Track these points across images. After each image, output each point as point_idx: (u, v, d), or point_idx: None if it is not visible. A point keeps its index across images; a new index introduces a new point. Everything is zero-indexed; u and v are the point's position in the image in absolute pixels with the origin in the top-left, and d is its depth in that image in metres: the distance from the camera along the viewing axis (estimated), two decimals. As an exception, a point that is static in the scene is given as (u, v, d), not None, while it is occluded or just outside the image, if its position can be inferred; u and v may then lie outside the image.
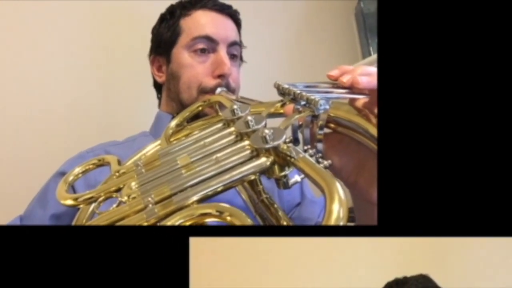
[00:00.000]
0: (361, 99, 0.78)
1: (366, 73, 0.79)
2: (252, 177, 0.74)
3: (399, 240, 0.98)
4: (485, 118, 0.79)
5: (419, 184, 0.82)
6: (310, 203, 1.32)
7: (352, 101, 0.79)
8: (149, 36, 1.52)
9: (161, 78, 1.48)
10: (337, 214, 0.61)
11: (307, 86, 0.83)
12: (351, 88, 0.79)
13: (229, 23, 1.40)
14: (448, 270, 1.02)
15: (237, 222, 0.69)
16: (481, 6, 0.80)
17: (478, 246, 1.02)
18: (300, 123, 0.80)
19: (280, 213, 0.80)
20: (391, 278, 0.95)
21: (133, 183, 0.83)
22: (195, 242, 0.83)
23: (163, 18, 1.48)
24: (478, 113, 0.79)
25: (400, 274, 0.96)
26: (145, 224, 0.71)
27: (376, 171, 0.78)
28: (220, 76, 1.35)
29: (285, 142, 0.73)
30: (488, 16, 0.81)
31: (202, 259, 0.95)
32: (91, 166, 1.01)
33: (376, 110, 0.78)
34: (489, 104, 0.79)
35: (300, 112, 0.78)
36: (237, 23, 1.44)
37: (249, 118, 0.80)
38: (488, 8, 0.81)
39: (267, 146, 0.72)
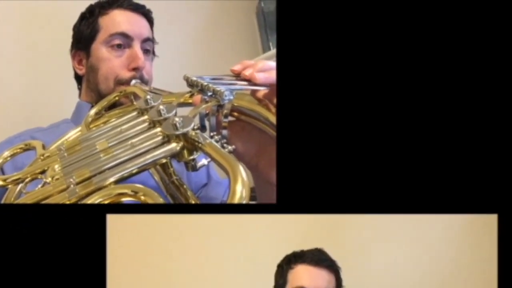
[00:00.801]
0: (261, 91, 0.86)
1: (264, 69, 0.86)
2: (164, 161, 0.81)
3: (296, 217, 1.06)
4: (369, 101, 0.88)
5: (313, 167, 0.90)
6: (216, 184, 1.40)
7: (253, 92, 0.86)
8: (71, 33, 1.57)
9: (81, 71, 1.53)
10: (240, 193, 0.68)
11: (213, 79, 0.89)
12: (252, 81, 0.87)
13: (142, 21, 1.46)
14: (340, 244, 1.11)
15: (150, 201, 0.75)
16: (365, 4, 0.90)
17: (367, 222, 1.11)
18: (207, 112, 0.86)
19: (189, 193, 0.87)
20: (289, 251, 1.04)
21: (56, 166, 0.89)
22: (112, 219, 0.90)
23: (83, 17, 1.53)
24: (364, 97, 0.89)
25: (297, 248, 1.05)
26: (67, 202, 0.77)
27: (275, 155, 0.87)
28: (135, 69, 1.41)
29: (193, 129, 0.79)
30: (373, 12, 0.90)
31: (118, 234, 1.02)
32: (18, 150, 1.07)
33: (274, 100, 0.85)
34: (374, 86, 0.89)
35: (207, 102, 0.85)
36: (150, 21, 1.51)
37: (161, 107, 0.86)
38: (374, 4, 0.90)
39: (177, 132, 0.79)
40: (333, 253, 1.03)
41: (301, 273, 1.02)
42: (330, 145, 0.90)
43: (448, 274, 1.15)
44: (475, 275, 1.12)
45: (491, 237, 0.95)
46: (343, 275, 1.04)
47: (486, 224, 0.97)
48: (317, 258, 1.02)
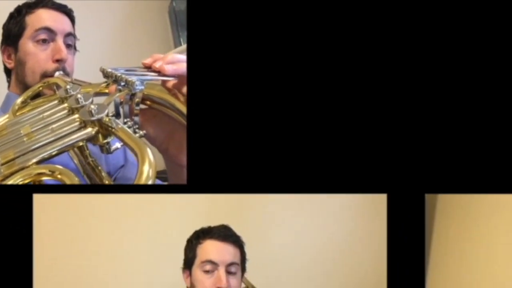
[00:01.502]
0: (170, 81, 0.95)
1: (173, 61, 0.96)
2: (80, 144, 0.89)
3: (204, 197, 1.17)
4: (267, 88, 0.99)
5: (220, 151, 1.00)
6: (132, 165, 1.50)
7: (163, 83, 0.95)
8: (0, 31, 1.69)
9: (10, 65, 1.65)
10: (147, 173, 0.77)
11: (127, 70, 0.98)
12: (161, 72, 0.96)
13: (65, 19, 1.58)
14: (244, 221, 1.22)
15: (67, 180, 0.83)
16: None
17: (268, 201, 1.23)
18: (121, 100, 0.95)
19: (103, 174, 0.96)
20: (198, 228, 1.13)
21: (-16, 149, 0.98)
22: (37, 198, 0.99)
23: (11, 16, 1.65)
24: (262, 85, 0.99)
25: (205, 225, 1.15)
26: (-7, 181, 0.85)
27: (183, 139, 0.96)
28: (58, 60, 1.52)
29: (107, 116, 0.88)
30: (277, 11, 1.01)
31: (44, 212, 1.11)
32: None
33: (183, 90, 0.95)
34: (273, 75, 0.99)
35: (120, 91, 0.94)
36: (72, 19, 1.65)
37: (79, 96, 0.94)
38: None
39: (92, 118, 0.87)
40: (238, 230, 1.14)
41: (209, 247, 1.12)
42: (234, 131, 1.00)
43: (342, 250, 1.28)
44: (367, 250, 1.25)
45: (381, 215, 1.06)
46: (247, 249, 1.15)
47: (376, 203, 1.09)
48: (224, 233, 1.13)
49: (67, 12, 1.61)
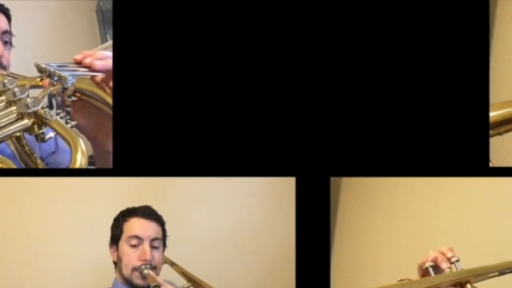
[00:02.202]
0: (99, 76, 1.06)
1: (101, 58, 1.06)
2: (18, 134, 0.99)
3: (129, 179, 1.28)
4: (185, 79, 1.11)
5: (143, 138, 1.11)
6: (62, 151, 1.58)
7: (92, 77, 1.06)
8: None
9: None
10: (80, 161, 0.91)
11: (60, 66, 1.07)
12: (91, 68, 1.06)
13: (1, 16, 1.63)
14: (165, 202, 1.34)
15: (4, 166, 0.95)
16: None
17: (187, 184, 1.35)
18: (54, 93, 1.05)
19: (38, 160, 1.07)
20: (124, 207, 1.27)
21: None
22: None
23: None
24: (181, 75, 1.11)
25: (130, 205, 1.27)
26: None
27: (110, 128, 1.07)
28: None
29: (42, 108, 0.98)
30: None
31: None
32: None
33: (110, 83, 1.06)
34: (191, 67, 1.11)
35: (54, 85, 1.03)
36: (8, 17, 1.69)
37: (16, 89, 1.01)
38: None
39: (29, 111, 0.97)
40: (159, 209, 1.28)
41: (135, 224, 1.26)
42: (155, 121, 1.12)
43: (253, 228, 1.41)
44: (277, 229, 1.37)
45: (290, 197, 1.16)
46: (167, 227, 1.29)
47: (286, 186, 1.18)
48: (147, 212, 1.27)
49: (4, 11, 1.66)
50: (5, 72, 1.46)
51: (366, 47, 1.14)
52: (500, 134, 1.05)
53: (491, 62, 1.16)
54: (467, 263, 1.06)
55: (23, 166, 1.07)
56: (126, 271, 1.26)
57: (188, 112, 1.13)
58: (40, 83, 1.10)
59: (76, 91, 1.07)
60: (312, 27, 1.14)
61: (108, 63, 1.07)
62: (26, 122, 0.98)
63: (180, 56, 1.13)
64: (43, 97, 1.01)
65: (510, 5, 1.33)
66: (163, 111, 1.12)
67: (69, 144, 0.93)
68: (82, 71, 1.05)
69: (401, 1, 1.13)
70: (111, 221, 1.29)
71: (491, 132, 1.05)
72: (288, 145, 1.15)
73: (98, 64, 1.06)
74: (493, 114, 1.04)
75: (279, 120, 1.14)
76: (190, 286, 1.30)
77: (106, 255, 1.29)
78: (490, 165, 1.11)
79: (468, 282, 1.04)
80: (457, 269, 1.04)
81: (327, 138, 1.15)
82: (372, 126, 1.15)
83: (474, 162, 1.12)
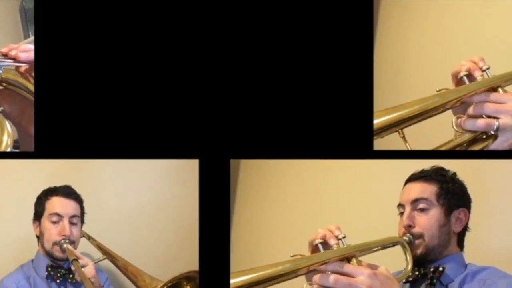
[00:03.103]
0: (23, 66, 1.16)
1: (25, 50, 1.16)
2: None
3: (50, 161, 1.40)
4: (104, 67, 1.23)
5: (62, 123, 1.23)
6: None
7: (17, 68, 1.16)
8: None
9: None
10: (6, 142, 1.03)
11: None
12: (16, 59, 1.16)
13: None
14: (83, 182, 1.46)
15: None
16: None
17: (102, 166, 1.47)
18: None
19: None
20: (46, 187, 1.41)
21: None
22: None
23: None
24: (99, 65, 1.23)
25: (52, 185, 1.41)
26: None
27: (33, 115, 1.18)
28: None
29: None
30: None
31: None
32: None
33: (33, 73, 1.17)
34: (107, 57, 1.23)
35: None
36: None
37: None
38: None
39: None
40: (78, 189, 1.41)
41: (55, 202, 1.40)
42: (74, 108, 1.24)
43: (161, 208, 1.54)
44: (182, 208, 1.49)
45: (193, 179, 1.27)
46: (85, 205, 1.43)
47: (189, 168, 1.30)
48: (67, 191, 1.40)
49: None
50: None
51: (262, 45, 1.27)
52: (381, 137, 1.16)
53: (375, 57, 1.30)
54: (353, 239, 1.17)
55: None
56: (48, 245, 1.39)
57: (100, 101, 1.25)
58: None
59: (2, 80, 1.16)
60: (214, 25, 1.27)
61: (31, 55, 1.17)
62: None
63: (91, 50, 1.25)
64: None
65: (392, 10, 1.48)
66: (79, 99, 1.24)
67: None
68: (7, 62, 1.15)
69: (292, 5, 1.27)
70: (34, 199, 1.42)
71: (374, 137, 1.16)
72: (191, 130, 1.26)
73: (22, 56, 1.16)
74: (376, 122, 1.15)
75: (183, 107, 1.26)
76: (105, 258, 1.41)
77: (30, 230, 1.41)
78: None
79: (354, 256, 1.16)
80: (343, 245, 1.15)
81: (227, 124, 1.26)
82: (267, 113, 1.27)
83: (359, 146, 1.25)
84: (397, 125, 1.15)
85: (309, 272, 1.15)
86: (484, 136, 1.16)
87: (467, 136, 1.17)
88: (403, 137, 1.16)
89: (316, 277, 1.13)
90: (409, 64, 1.52)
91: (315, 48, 1.27)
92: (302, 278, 1.16)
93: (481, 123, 1.14)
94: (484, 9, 1.42)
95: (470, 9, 1.45)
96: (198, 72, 1.26)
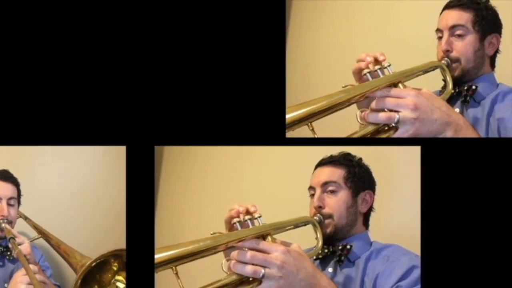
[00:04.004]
0: None
1: None
2: None
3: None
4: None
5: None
6: None
7: None
8: None
9: None
10: None
11: None
12: None
13: None
14: (20, 167, 1.53)
15: None
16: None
17: (39, 152, 1.52)
18: None
19: None
20: None
21: None
22: None
23: None
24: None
25: None
26: None
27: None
28: None
29: None
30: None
31: None
32: None
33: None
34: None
35: None
36: None
37: None
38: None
39: None
40: (15, 173, 1.50)
41: None
42: (10, 98, 1.34)
43: (92, 190, 1.61)
44: (111, 191, 1.54)
45: (121, 164, 1.38)
46: (21, 188, 1.51)
47: (117, 154, 1.40)
48: (5, 175, 1.50)
49: None
50: None
51: (185, 39, 1.37)
52: (292, 130, 1.26)
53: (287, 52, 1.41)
54: (268, 219, 1.28)
55: None
56: None
57: (32, 91, 1.35)
58: None
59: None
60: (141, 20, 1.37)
61: None
62: None
63: (18, 40, 1.35)
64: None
65: (305, 10, 1.57)
66: (12, 89, 1.35)
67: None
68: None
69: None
70: None
71: (286, 130, 1.26)
72: (119, 119, 1.36)
73: None
74: (288, 117, 1.24)
75: (112, 98, 1.35)
76: (40, 237, 1.50)
77: None
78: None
79: (269, 234, 1.26)
80: (259, 223, 1.26)
81: (152, 113, 1.37)
82: (190, 104, 1.37)
83: (273, 134, 1.37)
84: (306, 119, 1.26)
85: (228, 249, 1.24)
86: (386, 128, 1.28)
87: (370, 128, 1.28)
88: (312, 130, 1.26)
89: (234, 253, 1.22)
90: (319, 59, 1.62)
91: (235, 45, 1.36)
92: (221, 255, 1.25)
93: (382, 116, 1.26)
94: (386, 11, 1.54)
95: (374, 11, 1.55)
96: (127, 65, 1.35)
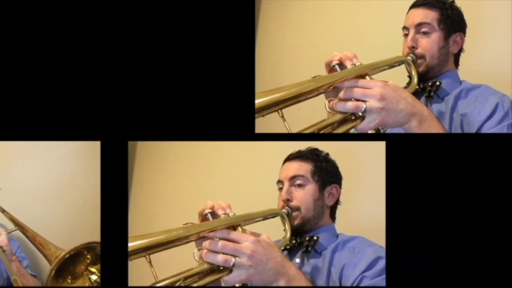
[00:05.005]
0: None
1: None
2: None
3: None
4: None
5: None
6: None
7: None
8: None
9: None
10: None
11: None
12: None
13: None
14: (2, 162, 1.59)
15: None
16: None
17: (15, 146, 1.56)
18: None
19: None
20: None
21: None
22: None
23: None
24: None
25: None
26: None
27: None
28: None
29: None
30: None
31: None
32: None
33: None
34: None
35: None
36: None
37: None
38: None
39: None
40: None
41: None
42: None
43: (68, 184, 1.66)
44: (86, 184, 1.60)
45: (95, 159, 1.42)
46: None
47: (91, 149, 1.45)
48: None
49: None
50: None
51: (159, 36, 1.42)
52: (263, 115, 1.30)
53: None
54: (238, 211, 1.32)
55: None
56: None
57: (7, 88, 1.38)
58: None
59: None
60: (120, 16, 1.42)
61: None
62: None
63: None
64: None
65: (274, 9, 1.61)
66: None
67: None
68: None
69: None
70: None
71: (256, 115, 1.30)
72: (94, 115, 1.40)
73: None
74: (258, 102, 1.29)
75: (87, 95, 1.40)
76: (17, 229, 1.54)
77: None
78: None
79: (239, 225, 1.31)
80: (229, 215, 1.31)
81: (125, 109, 1.41)
82: (162, 100, 1.42)
83: (243, 130, 1.42)
84: (276, 105, 1.30)
85: (199, 239, 1.28)
86: (353, 117, 1.32)
87: (338, 117, 1.32)
88: (282, 117, 1.30)
89: (206, 243, 1.26)
90: (287, 58, 1.67)
91: (205, 43, 1.41)
92: (193, 245, 1.29)
93: (350, 105, 1.31)
94: (354, 7, 1.60)
95: (342, 7, 1.61)
96: (103, 65, 1.39)
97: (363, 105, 1.30)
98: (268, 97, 1.29)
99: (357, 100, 1.31)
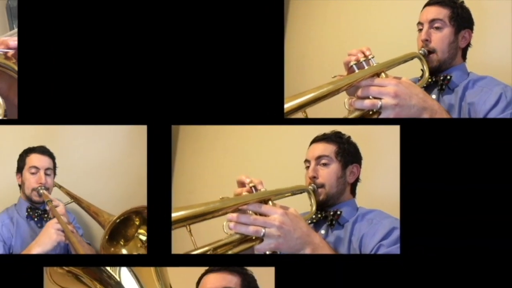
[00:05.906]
0: (10, 52, 1.42)
1: (13, 40, 1.42)
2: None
3: (30, 127, 1.60)
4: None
5: (41, 96, 1.52)
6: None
7: (5, 53, 1.41)
8: None
9: None
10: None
11: None
12: (6, 46, 1.41)
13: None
14: (55, 143, 1.72)
15: None
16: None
17: (72, 130, 1.71)
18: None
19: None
20: (26, 147, 1.69)
21: None
22: None
23: None
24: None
25: (31, 145, 1.70)
26: None
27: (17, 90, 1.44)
28: None
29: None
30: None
31: None
32: None
33: (16, 57, 1.42)
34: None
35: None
36: None
37: None
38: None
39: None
40: (51, 148, 1.69)
41: (34, 158, 1.69)
42: (47, 84, 1.53)
43: (114, 165, 1.81)
44: (133, 163, 1.72)
45: (142, 140, 1.52)
46: (57, 161, 1.70)
47: (139, 132, 1.54)
48: (43, 150, 1.70)
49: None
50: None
51: (200, 32, 1.54)
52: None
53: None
54: (269, 187, 1.42)
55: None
56: (28, 191, 1.68)
57: (70, 76, 1.53)
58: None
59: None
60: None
61: (16, 43, 1.42)
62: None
63: (63, 40, 1.53)
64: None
65: (301, 9, 1.73)
66: (50, 80, 1.52)
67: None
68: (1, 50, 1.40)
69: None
70: (17, 157, 1.69)
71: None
72: (141, 104, 1.53)
73: (11, 43, 1.40)
74: (286, 106, 1.42)
75: (135, 82, 1.53)
76: (72, 201, 1.69)
77: (13, 181, 1.70)
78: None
79: (269, 199, 1.41)
80: (260, 191, 1.41)
81: (169, 95, 1.52)
82: (202, 90, 1.53)
83: (273, 115, 1.52)
84: (300, 108, 1.43)
85: (234, 211, 1.39)
86: (370, 113, 1.45)
87: (357, 113, 1.46)
88: (306, 116, 1.45)
89: (235, 216, 1.38)
90: (313, 52, 1.78)
91: (241, 38, 1.54)
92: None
93: (367, 103, 1.44)
94: (373, 9, 1.72)
95: (361, 8, 1.73)
96: (146, 53, 1.54)
97: (379, 102, 1.42)
98: (294, 102, 1.43)
99: (374, 97, 1.43)
